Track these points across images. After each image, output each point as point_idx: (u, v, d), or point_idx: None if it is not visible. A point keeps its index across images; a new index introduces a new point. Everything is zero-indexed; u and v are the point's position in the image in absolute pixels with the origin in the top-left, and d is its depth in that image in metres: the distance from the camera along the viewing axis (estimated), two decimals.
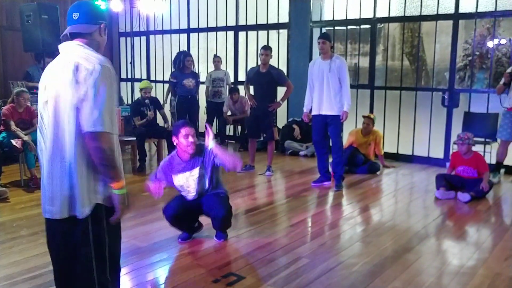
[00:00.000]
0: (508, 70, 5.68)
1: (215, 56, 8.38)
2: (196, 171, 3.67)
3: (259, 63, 6.29)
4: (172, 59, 7.82)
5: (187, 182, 3.71)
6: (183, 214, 3.73)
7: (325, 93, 5.41)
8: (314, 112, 5.60)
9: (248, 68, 7.41)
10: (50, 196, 2.02)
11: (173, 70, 7.72)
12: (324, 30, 7.93)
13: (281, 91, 6.36)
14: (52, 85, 1.97)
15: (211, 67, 8.52)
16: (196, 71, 8.07)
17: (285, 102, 8.05)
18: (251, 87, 6.47)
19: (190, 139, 3.58)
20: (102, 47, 2.13)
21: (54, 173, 1.97)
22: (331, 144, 5.66)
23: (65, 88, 1.91)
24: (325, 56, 5.43)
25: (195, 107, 7.38)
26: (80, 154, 1.94)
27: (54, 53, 7.31)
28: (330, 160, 5.76)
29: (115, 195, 2.02)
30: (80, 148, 1.93)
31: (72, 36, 2.06)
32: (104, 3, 9.14)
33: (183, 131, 3.58)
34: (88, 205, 1.99)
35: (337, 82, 5.36)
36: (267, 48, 6.14)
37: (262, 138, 6.47)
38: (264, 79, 6.07)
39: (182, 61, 7.42)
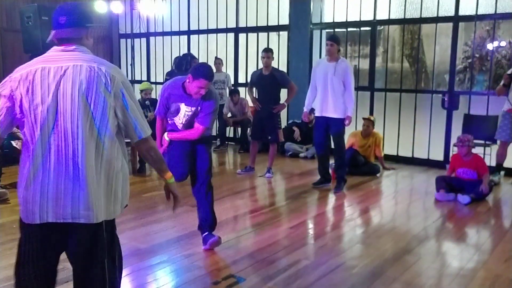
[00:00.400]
0: (508, 72, 5.68)
1: (216, 58, 8.39)
2: (192, 109, 3.52)
3: (260, 65, 6.30)
4: (172, 61, 7.85)
5: (180, 114, 3.57)
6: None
7: (329, 95, 5.36)
8: (316, 114, 5.57)
9: (249, 71, 7.43)
10: (85, 199, 1.92)
11: (169, 71, 7.75)
12: (324, 32, 7.95)
13: (283, 92, 6.34)
14: (69, 89, 1.89)
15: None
16: None
17: None
18: (255, 90, 6.46)
19: (202, 91, 3.38)
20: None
21: (91, 176, 1.92)
22: (332, 146, 5.66)
23: (94, 94, 1.89)
24: (331, 58, 5.37)
25: None
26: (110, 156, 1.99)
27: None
28: (331, 162, 5.76)
29: (171, 184, 2.25)
30: (110, 151, 1.98)
31: (61, 42, 2.00)
32: (104, 4, 9.18)
33: (199, 83, 3.33)
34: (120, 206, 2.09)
35: (341, 85, 5.31)
36: (268, 51, 6.14)
37: (268, 139, 6.43)
38: (268, 81, 6.08)
39: (190, 63, 7.45)
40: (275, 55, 8.26)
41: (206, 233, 3.66)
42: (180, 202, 2.30)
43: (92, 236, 2.01)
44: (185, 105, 3.50)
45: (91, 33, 2.08)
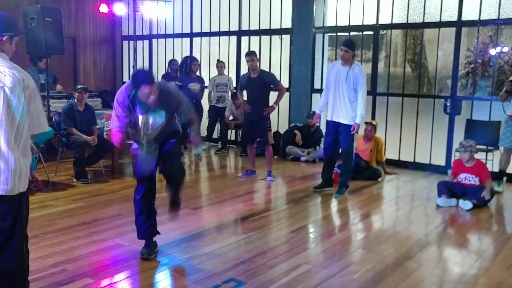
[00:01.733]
0: (510, 78, 5.67)
1: (219, 61, 8.39)
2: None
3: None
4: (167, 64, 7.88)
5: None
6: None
7: (340, 100, 5.31)
8: (327, 118, 5.52)
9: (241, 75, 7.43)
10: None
11: (164, 74, 7.77)
12: (326, 36, 7.95)
13: (273, 95, 6.32)
14: None
15: (214, 72, 8.53)
16: (199, 75, 8.10)
17: (287, 107, 8.09)
18: (244, 93, 6.49)
19: (152, 97, 3.18)
20: (9, 55, 2.47)
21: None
22: (340, 151, 5.62)
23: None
24: (345, 62, 5.31)
25: (199, 111, 7.39)
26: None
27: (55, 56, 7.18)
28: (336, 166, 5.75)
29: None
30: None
31: None
32: (106, 7, 9.20)
33: (143, 89, 3.14)
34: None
35: (352, 91, 5.24)
36: (251, 53, 6.11)
37: (255, 144, 6.46)
38: (257, 84, 6.07)
39: (189, 65, 7.45)
40: (277, 58, 8.32)
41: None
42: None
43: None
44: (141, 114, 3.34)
45: (6, 41, 2.46)
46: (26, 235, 2.37)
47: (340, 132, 5.41)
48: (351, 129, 5.29)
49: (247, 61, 6.08)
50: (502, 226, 4.72)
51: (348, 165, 5.53)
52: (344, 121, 5.32)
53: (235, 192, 5.61)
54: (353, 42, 5.41)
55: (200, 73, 8.51)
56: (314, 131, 7.69)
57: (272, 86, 6.15)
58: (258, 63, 6.18)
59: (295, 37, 7.96)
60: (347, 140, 5.38)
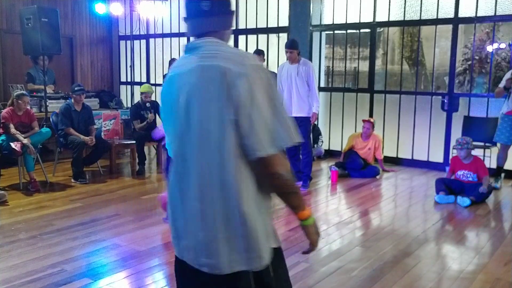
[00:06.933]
0: (508, 75, 5.67)
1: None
2: None
3: None
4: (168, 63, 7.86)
5: None
6: None
7: (294, 95, 5.59)
8: None
9: None
10: (204, 241, 1.51)
11: (165, 74, 7.69)
12: (324, 34, 7.95)
13: None
14: None
15: None
16: None
17: None
18: None
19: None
20: None
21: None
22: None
23: None
24: (293, 62, 5.61)
25: None
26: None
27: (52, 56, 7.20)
28: (331, 163, 5.76)
29: (308, 227, 1.69)
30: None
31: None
32: (104, 6, 9.18)
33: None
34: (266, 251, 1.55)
35: (305, 85, 5.56)
36: (259, 53, 6.32)
37: None
38: None
39: None
40: (274, 57, 8.31)
41: None
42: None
43: None
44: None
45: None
46: None
47: (298, 125, 5.50)
48: (311, 118, 5.61)
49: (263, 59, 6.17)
50: (499, 223, 4.73)
51: (309, 156, 5.74)
52: (302, 114, 5.57)
53: None
54: (295, 42, 5.72)
55: None
56: (312, 130, 7.68)
57: None
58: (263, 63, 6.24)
59: (292, 35, 7.94)
60: (306, 132, 5.65)
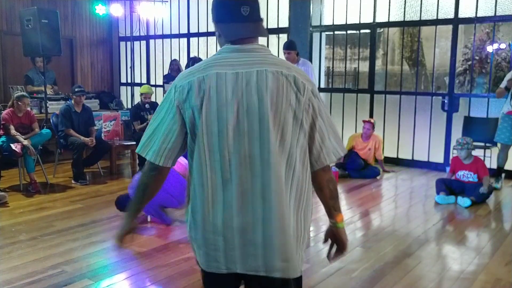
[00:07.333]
0: (510, 76, 5.66)
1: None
2: None
3: None
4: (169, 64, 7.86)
5: None
6: None
7: None
8: None
9: None
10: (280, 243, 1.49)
11: (166, 74, 7.71)
12: (324, 34, 7.95)
13: None
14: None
15: None
16: None
17: None
18: None
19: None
20: None
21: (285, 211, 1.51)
22: None
23: None
24: (292, 62, 5.54)
25: None
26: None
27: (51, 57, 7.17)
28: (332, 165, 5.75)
29: (341, 229, 1.80)
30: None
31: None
32: (104, 7, 9.19)
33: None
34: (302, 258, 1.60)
35: None
36: None
37: None
38: None
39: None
40: None
41: None
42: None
43: None
44: None
45: None
46: None
47: None
48: None
49: None
50: (500, 223, 4.73)
51: None
52: None
53: None
54: (293, 43, 5.75)
55: None
56: None
57: None
58: None
59: (292, 36, 7.95)
60: None
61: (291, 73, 1.48)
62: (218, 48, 1.65)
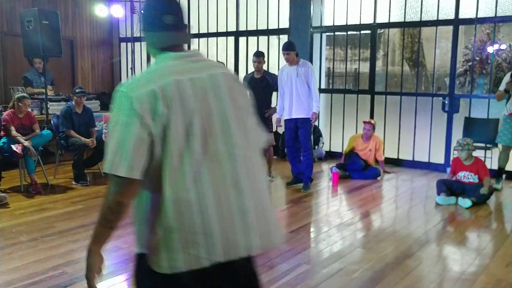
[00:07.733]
0: (508, 78, 5.65)
1: (218, 61, 8.37)
2: None
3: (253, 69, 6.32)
4: None
5: None
6: None
7: (295, 97, 5.60)
8: (285, 117, 5.76)
9: (243, 75, 7.42)
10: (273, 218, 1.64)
11: None
12: (324, 35, 7.95)
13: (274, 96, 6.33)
14: None
15: None
16: None
17: None
18: None
19: None
20: None
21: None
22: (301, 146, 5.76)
23: None
24: (292, 63, 5.61)
25: None
26: None
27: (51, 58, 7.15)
28: (332, 165, 5.75)
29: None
30: None
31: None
32: (105, 8, 9.20)
33: None
34: None
35: (305, 86, 5.56)
36: (259, 55, 6.14)
37: None
38: (260, 85, 6.07)
39: None
40: (275, 59, 8.31)
41: None
42: None
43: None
44: None
45: None
46: None
47: (299, 127, 5.66)
48: (311, 118, 5.57)
49: (254, 62, 6.10)
50: (501, 224, 4.73)
51: (310, 158, 5.72)
52: (302, 115, 5.58)
53: None
54: (292, 44, 5.74)
55: None
56: (312, 131, 7.68)
57: (274, 87, 6.15)
58: (263, 65, 6.19)
59: (292, 37, 7.95)
60: (307, 133, 5.65)
61: (231, 72, 1.70)
62: (210, 50, 1.77)
